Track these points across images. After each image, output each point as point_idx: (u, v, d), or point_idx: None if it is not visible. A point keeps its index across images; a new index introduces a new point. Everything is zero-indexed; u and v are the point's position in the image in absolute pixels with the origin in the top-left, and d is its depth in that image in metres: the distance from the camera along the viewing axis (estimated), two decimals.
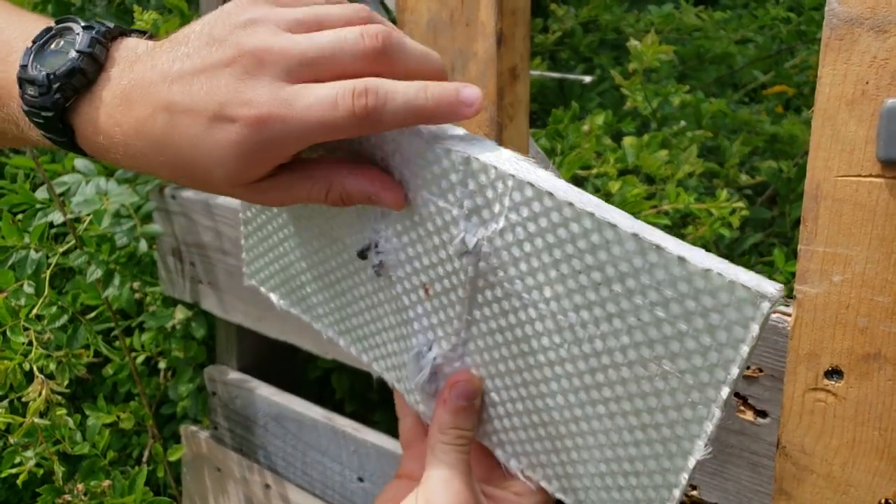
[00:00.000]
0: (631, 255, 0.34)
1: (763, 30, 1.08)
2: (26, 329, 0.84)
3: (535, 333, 0.39)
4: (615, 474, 0.40)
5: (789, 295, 0.49)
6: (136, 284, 0.96)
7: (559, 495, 0.42)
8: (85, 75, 0.39)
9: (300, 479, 0.98)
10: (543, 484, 0.43)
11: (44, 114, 0.39)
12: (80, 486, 0.85)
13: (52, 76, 0.38)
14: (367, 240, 0.45)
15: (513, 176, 0.37)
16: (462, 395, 0.43)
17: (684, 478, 0.37)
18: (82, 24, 0.40)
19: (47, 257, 0.88)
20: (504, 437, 0.44)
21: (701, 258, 0.33)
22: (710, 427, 0.35)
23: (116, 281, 0.91)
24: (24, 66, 0.39)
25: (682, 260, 0.33)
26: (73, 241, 0.91)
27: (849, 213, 0.42)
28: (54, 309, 0.86)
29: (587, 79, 0.95)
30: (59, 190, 0.90)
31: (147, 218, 0.98)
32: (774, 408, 0.52)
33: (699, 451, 0.36)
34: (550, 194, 0.36)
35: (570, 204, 0.36)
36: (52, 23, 0.41)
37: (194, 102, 0.37)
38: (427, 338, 0.44)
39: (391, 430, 0.92)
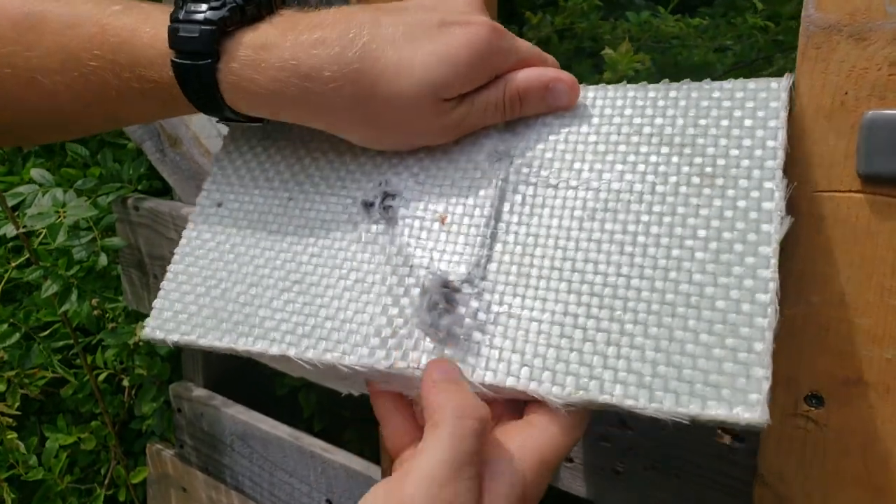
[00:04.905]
0: (686, 99, 0.42)
1: (741, 39, 1.06)
2: None
3: (580, 216, 0.40)
4: (697, 332, 0.34)
5: None
6: (95, 301, 0.92)
7: (628, 403, 0.34)
8: (259, 7, 0.41)
9: (267, 500, 0.95)
10: (604, 399, 0.35)
11: (202, 28, 0.39)
12: None
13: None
14: (377, 186, 0.44)
15: None
16: (451, 368, 0.36)
17: (773, 278, 0.34)
18: None
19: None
20: (539, 364, 0.37)
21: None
22: (777, 216, 0.35)
23: (74, 296, 0.87)
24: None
25: (720, 83, 0.41)
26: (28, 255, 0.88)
27: (827, 231, 0.39)
28: (5, 326, 0.82)
29: None
30: (13, 201, 0.86)
31: (109, 230, 0.94)
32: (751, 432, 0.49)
33: (777, 235, 0.35)
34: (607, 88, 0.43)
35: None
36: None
37: (419, 17, 0.40)
38: (439, 268, 0.41)
39: (361, 449, 0.89)
